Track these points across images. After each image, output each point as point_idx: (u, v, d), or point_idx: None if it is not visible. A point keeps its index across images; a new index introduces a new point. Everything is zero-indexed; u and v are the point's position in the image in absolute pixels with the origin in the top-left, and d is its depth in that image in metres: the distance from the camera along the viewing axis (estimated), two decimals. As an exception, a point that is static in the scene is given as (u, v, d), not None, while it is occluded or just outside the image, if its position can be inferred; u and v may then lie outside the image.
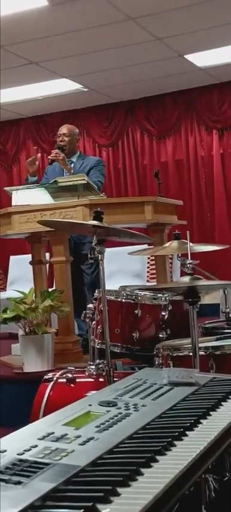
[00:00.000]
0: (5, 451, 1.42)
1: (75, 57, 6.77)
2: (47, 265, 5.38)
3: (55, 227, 4.19)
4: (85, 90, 8.04)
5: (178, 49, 6.80)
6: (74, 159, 5.65)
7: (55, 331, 4.75)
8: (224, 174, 8.46)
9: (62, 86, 7.78)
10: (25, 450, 1.42)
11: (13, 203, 4.92)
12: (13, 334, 5.74)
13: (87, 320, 3.41)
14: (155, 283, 6.02)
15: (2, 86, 7.25)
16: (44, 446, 1.45)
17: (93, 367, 3.20)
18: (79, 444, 1.48)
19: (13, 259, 8.72)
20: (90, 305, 3.44)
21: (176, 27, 6.13)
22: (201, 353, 2.75)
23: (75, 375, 3.16)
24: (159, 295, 3.40)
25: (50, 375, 3.23)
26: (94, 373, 3.18)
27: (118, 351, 3.38)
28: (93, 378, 3.16)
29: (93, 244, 2.90)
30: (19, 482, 1.24)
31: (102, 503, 1.15)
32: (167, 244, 3.67)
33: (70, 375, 3.15)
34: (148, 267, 8.14)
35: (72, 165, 5.57)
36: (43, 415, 2.85)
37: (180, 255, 3.26)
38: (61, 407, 1.83)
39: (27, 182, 5.43)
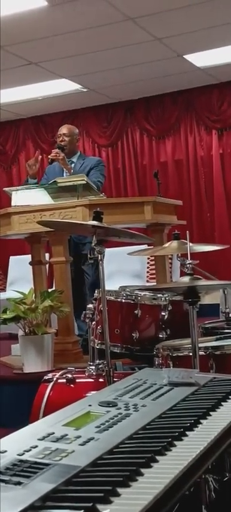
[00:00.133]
0: (5, 451, 1.42)
1: (74, 58, 6.77)
2: (47, 265, 5.38)
3: (55, 227, 4.19)
4: (85, 90, 8.04)
5: (177, 49, 6.80)
6: (74, 159, 5.65)
7: (55, 331, 4.75)
8: (224, 174, 8.47)
9: (61, 86, 7.78)
10: (25, 451, 1.42)
11: (13, 203, 4.92)
12: (13, 334, 5.74)
13: (87, 320, 3.41)
14: (155, 284, 6.02)
15: (2, 87, 7.25)
16: (44, 447, 1.45)
17: (93, 367, 3.19)
18: (79, 444, 1.48)
19: (13, 259, 8.72)
20: (90, 305, 3.44)
21: (175, 27, 6.13)
22: (201, 353, 2.75)
23: (74, 375, 3.16)
24: (159, 295, 3.40)
25: (50, 375, 3.23)
26: (94, 373, 3.18)
27: (118, 351, 3.38)
28: (92, 378, 3.16)
29: (93, 244, 2.90)
30: (19, 483, 1.24)
31: (102, 504, 1.15)
32: (166, 245, 3.67)
33: (70, 375, 3.15)
34: (148, 267, 8.14)
35: (73, 165, 5.57)
36: (43, 416, 2.85)
37: (180, 255, 3.26)
38: (61, 407, 1.83)
39: (26, 184, 5.43)
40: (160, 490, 1.22)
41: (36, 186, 5.19)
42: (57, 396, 3.05)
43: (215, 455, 1.58)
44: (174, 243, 3.40)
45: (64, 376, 3.16)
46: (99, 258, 2.91)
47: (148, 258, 7.95)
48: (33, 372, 4.34)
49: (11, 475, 1.28)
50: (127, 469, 1.31)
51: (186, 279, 2.79)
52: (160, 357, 3.02)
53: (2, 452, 1.41)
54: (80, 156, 5.76)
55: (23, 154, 9.46)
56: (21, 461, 1.36)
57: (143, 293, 3.46)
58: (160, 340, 3.30)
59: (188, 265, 2.91)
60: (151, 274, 7.98)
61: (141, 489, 1.24)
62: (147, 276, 8.16)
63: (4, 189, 5.30)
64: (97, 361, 3.22)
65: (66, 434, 1.55)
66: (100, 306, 3.18)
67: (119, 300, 3.42)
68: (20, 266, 8.01)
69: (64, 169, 5.51)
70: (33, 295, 4.55)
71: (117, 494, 1.20)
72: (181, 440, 1.54)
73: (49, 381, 3.16)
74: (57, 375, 3.20)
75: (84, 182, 4.76)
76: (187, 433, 1.59)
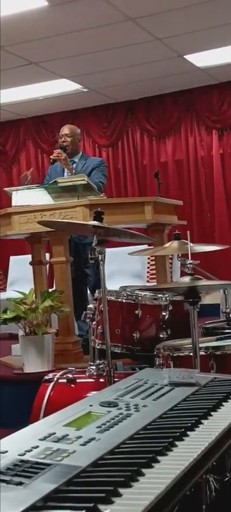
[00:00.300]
0: (6, 451, 1.42)
1: (74, 58, 6.77)
2: (47, 265, 5.38)
3: (55, 227, 4.19)
4: (85, 90, 8.04)
5: (177, 49, 6.80)
6: (76, 160, 5.65)
7: (56, 331, 4.75)
8: (224, 174, 8.47)
9: (62, 86, 7.78)
10: (26, 451, 1.42)
11: (13, 203, 4.92)
12: (13, 334, 5.74)
13: (88, 320, 3.41)
14: (156, 284, 6.02)
15: (2, 87, 7.25)
16: (45, 447, 1.45)
17: (94, 367, 3.19)
18: (81, 445, 1.48)
19: (13, 259, 8.72)
20: (91, 305, 3.44)
21: (176, 28, 6.13)
22: (201, 353, 2.75)
23: (75, 376, 3.16)
24: (159, 295, 3.40)
25: (50, 375, 3.23)
26: (94, 373, 3.17)
27: (119, 351, 3.38)
28: (93, 379, 3.16)
29: (94, 244, 2.90)
30: (20, 483, 1.24)
31: (104, 504, 1.15)
32: (167, 245, 3.67)
33: (70, 376, 3.15)
34: (148, 267, 8.14)
35: (74, 165, 5.57)
36: (44, 416, 2.85)
37: (180, 255, 3.26)
38: (61, 407, 1.83)
39: None
40: (162, 490, 1.22)
41: (37, 186, 5.19)
42: (58, 396, 3.05)
43: (216, 455, 1.59)
44: (174, 243, 3.40)
45: (64, 376, 3.16)
46: (100, 258, 2.91)
47: (149, 258, 7.95)
48: (33, 372, 4.34)
49: (12, 475, 1.28)
50: (128, 469, 1.31)
51: (186, 279, 2.79)
52: (161, 357, 3.02)
53: (3, 453, 1.41)
54: (82, 157, 5.76)
55: (23, 155, 9.46)
56: (22, 461, 1.36)
57: (144, 293, 3.46)
58: (161, 340, 3.30)
59: (188, 265, 2.91)
60: (151, 275, 7.98)
61: (142, 489, 1.24)
62: (147, 276, 8.16)
63: (4, 189, 5.30)
64: (98, 361, 3.22)
65: (67, 435, 1.55)
66: (101, 306, 3.18)
67: (119, 300, 3.42)
68: (20, 266, 8.00)
69: (66, 169, 5.51)
70: (34, 295, 4.55)
71: (118, 495, 1.20)
72: (182, 440, 1.54)
73: (49, 381, 3.16)
74: (58, 375, 3.20)
75: (84, 182, 4.76)
76: (188, 433, 1.59)
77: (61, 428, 1.61)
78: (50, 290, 4.91)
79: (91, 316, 3.39)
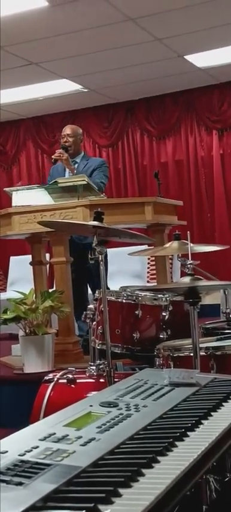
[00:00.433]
0: (6, 452, 1.42)
1: (75, 58, 6.77)
2: (47, 265, 5.38)
3: (56, 228, 4.20)
4: (85, 90, 8.04)
5: (177, 49, 6.80)
6: (78, 160, 5.65)
7: (56, 331, 4.75)
8: (224, 175, 8.47)
9: (62, 86, 7.78)
10: (26, 451, 1.42)
11: (13, 204, 4.92)
12: (13, 334, 5.74)
13: (88, 321, 3.41)
14: (156, 284, 6.02)
15: (2, 87, 7.25)
16: (45, 447, 1.45)
17: (94, 367, 3.19)
18: (81, 445, 1.48)
19: (13, 259, 8.73)
20: (91, 306, 3.44)
21: (176, 28, 6.13)
22: (202, 353, 2.75)
23: (75, 376, 3.16)
24: (159, 295, 3.40)
25: (51, 375, 3.23)
26: (94, 373, 3.17)
27: (119, 351, 3.38)
28: (93, 379, 3.16)
29: (94, 245, 2.90)
30: (20, 483, 1.24)
31: (104, 504, 1.15)
32: (167, 245, 3.67)
33: (70, 376, 3.15)
34: (148, 268, 8.15)
35: (76, 165, 5.57)
36: (44, 416, 2.85)
37: (180, 255, 3.26)
38: (61, 408, 1.83)
39: None
40: (162, 491, 1.22)
41: (37, 186, 5.19)
42: (58, 396, 3.05)
43: (216, 455, 1.58)
44: (174, 244, 3.40)
45: (64, 376, 3.16)
46: (100, 258, 2.91)
47: (149, 259, 7.96)
48: (33, 372, 4.34)
49: (12, 476, 1.28)
50: (128, 470, 1.31)
51: (187, 279, 2.79)
52: (161, 357, 3.02)
53: (3, 453, 1.41)
54: (84, 157, 5.76)
55: (23, 155, 9.47)
56: (22, 461, 1.36)
57: (144, 293, 3.46)
58: (161, 340, 3.29)
59: (188, 266, 2.91)
60: (151, 275, 7.98)
61: (142, 489, 1.24)
62: (147, 277, 8.17)
63: (4, 189, 5.30)
64: (98, 361, 3.22)
65: (67, 435, 1.54)
66: (101, 306, 3.18)
67: (120, 300, 3.41)
68: (20, 266, 8.01)
69: (67, 169, 5.51)
70: (34, 295, 4.55)
71: (118, 495, 1.20)
72: (182, 440, 1.54)
73: (49, 381, 3.16)
74: (58, 375, 3.20)
75: (84, 182, 4.76)
76: (188, 433, 1.59)
77: (61, 428, 1.61)
78: (50, 290, 4.91)
79: (92, 316, 3.39)
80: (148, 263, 8.12)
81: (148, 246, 5.73)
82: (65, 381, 3.14)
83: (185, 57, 7.05)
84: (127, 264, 7.52)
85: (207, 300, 5.33)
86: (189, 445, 1.52)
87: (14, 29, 5.77)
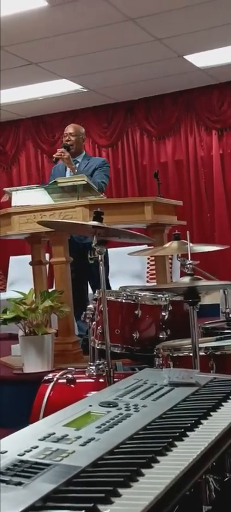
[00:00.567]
0: (6, 451, 1.42)
1: (74, 58, 6.77)
2: (47, 265, 5.38)
3: (55, 228, 4.19)
4: (85, 90, 8.04)
5: (177, 49, 6.80)
6: (79, 159, 5.64)
7: (55, 331, 4.75)
8: (224, 174, 8.47)
9: (62, 86, 7.78)
10: (26, 451, 1.42)
11: (13, 204, 4.92)
12: (13, 334, 5.74)
13: (87, 321, 3.41)
14: (155, 284, 6.02)
15: (2, 87, 7.25)
16: (45, 447, 1.45)
17: (93, 367, 3.19)
18: (80, 445, 1.48)
19: (13, 259, 8.73)
20: (90, 306, 3.44)
21: (176, 28, 6.13)
22: (201, 353, 2.75)
23: (75, 376, 3.16)
24: (159, 295, 3.40)
25: (50, 375, 3.23)
26: (94, 373, 3.17)
27: (118, 351, 3.38)
28: (93, 379, 3.16)
29: (93, 244, 2.90)
30: (20, 483, 1.24)
31: (103, 504, 1.15)
32: (167, 245, 3.67)
33: (70, 376, 3.15)
34: (148, 268, 8.15)
35: (77, 164, 5.56)
36: (44, 416, 2.85)
37: (180, 255, 3.25)
38: (61, 408, 1.83)
39: None
40: (161, 491, 1.22)
41: (37, 186, 5.19)
42: (58, 396, 3.05)
43: (216, 455, 1.58)
44: (174, 244, 3.40)
45: (64, 376, 3.16)
46: (99, 258, 2.91)
47: (148, 258, 7.96)
48: (33, 372, 4.34)
49: (12, 476, 1.28)
50: (127, 470, 1.31)
51: (186, 279, 2.79)
52: (161, 357, 3.02)
53: (3, 453, 1.41)
54: (85, 156, 5.75)
55: (23, 155, 9.47)
56: (21, 461, 1.36)
57: (144, 293, 3.46)
58: (161, 340, 3.29)
59: (188, 266, 2.91)
60: (151, 275, 7.98)
61: (142, 489, 1.24)
62: (147, 276, 8.17)
63: (4, 189, 5.30)
64: (98, 361, 3.22)
65: (67, 435, 1.54)
66: (101, 306, 3.18)
67: (119, 300, 3.41)
68: (20, 266, 8.01)
69: (68, 168, 5.50)
70: (33, 295, 4.55)
71: (118, 495, 1.20)
72: (182, 440, 1.54)
73: (49, 381, 3.16)
74: (57, 375, 3.20)
75: (84, 182, 4.76)
76: (188, 433, 1.59)
77: (61, 428, 1.61)
78: (50, 290, 4.91)
79: (91, 316, 3.39)
80: (148, 263, 8.12)
81: (148, 246, 5.73)
82: (65, 380, 3.14)
83: (185, 57, 7.06)
84: (127, 264, 7.52)
85: (206, 300, 5.34)
86: (188, 445, 1.52)
87: (14, 29, 5.77)
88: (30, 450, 1.43)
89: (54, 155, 5.55)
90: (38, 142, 9.31)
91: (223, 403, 1.88)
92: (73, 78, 7.54)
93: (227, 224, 8.43)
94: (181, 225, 5.13)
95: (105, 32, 6.04)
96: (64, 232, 4.81)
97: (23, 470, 1.31)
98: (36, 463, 1.35)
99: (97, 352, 3.34)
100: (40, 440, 1.51)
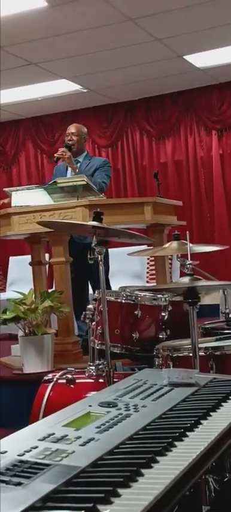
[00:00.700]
0: (6, 452, 1.42)
1: (74, 58, 6.77)
2: (47, 266, 5.38)
3: (55, 228, 4.19)
4: (85, 90, 8.04)
5: (177, 50, 6.80)
6: (81, 159, 5.63)
7: (55, 332, 4.75)
8: (224, 175, 8.47)
9: (61, 86, 7.78)
10: (25, 451, 1.42)
11: (12, 204, 4.92)
12: (13, 335, 5.74)
13: (87, 321, 3.41)
14: (155, 284, 6.02)
15: (2, 87, 7.25)
16: (44, 447, 1.45)
17: (93, 367, 3.19)
18: (80, 445, 1.48)
19: (12, 260, 8.73)
20: (90, 306, 3.44)
21: (176, 28, 6.13)
22: (201, 353, 2.75)
23: (74, 376, 3.16)
24: (159, 295, 3.40)
25: (50, 375, 3.23)
26: (94, 373, 3.17)
27: (118, 351, 3.38)
28: (92, 379, 3.16)
29: (93, 245, 2.90)
30: (19, 484, 1.24)
31: (103, 504, 1.15)
32: (166, 245, 3.67)
33: (70, 376, 3.15)
34: (148, 268, 8.15)
35: (78, 164, 5.56)
36: (43, 416, 2.85)
37: (180, 255, 3.25)
38: (61, 408, 1.83)
39: None
40: (161, 491, 1.22)
41: (36, 187, 5.19)
42: (57, 397, 3.05)
43: (215, 455, 1.58)
44: (174, 244, 3.40)
45: (64, 376, 3.16)
46: (99, 258, 2.91)
47: (148, 259, 7.96)
48: (33, 372, 4.34)
49: (11, 476, 1.28)
50: (127, 470, 1.31)
51: (186, 279, 2.79)
52: (160, 358, 3.02)
53: (2, 453, 1.41)
54: (86, 156, 5.74)
55: (22, 155, 9.47)
56: (21, 461, 1.36)
57: (143, 293, 3.46)
58: (160, 340, 3.29)
59: (188, 266, 2.91)
60: (151, 275, 7.98)
61: (141, 489, 1.24)
62: (147, 277, 8.17)
63: (4, 189, 5.30)
64: (97, 361, 3.22)
65: (66, 435, 1.54)
66: (100, 306, 3.18)
67: (119, 300, 3.41)
68: (19, 266, 8.01)
69: (70, 168, 5.50)
70: (33, 295, 4.55)
71: (118, 495, 1.20)
72: (181, 440, 1.54)
73: (49, 381, 3.16)
74: (57, 375, 3.20)
75: (83, 183, 4.76)
76: (187, 433, 1.59)
77: (61, 428, 1.61)
78: (50, 290, 4.91)
79: (91, 316, 3.39)
80: (148, 263, 8.12)
81: (148, 246, 5.73)
82: (64, 381, 3.14)
83: (184, 57, 7.06)
84: (127, 264, 7.52)
85: (206, 300, 5.33)
86: (188, 445, 1.52)
87: (14, 29, 5.77)
88: (30, 450, 1.43)
89: (55, 154, 5.54)
90: (38, 142, 9.31)
91: (223, 403, 1.88)
92: (73, 78, 7.54)
93: (227, 224, 8.43)
94: (180, 225, 5.13)
95: (104, 32, 6.04)
96: (64, 233, 4.81)
97: (23, 471, 1.30)
98: (36, 463, 1.35)
99: (97, 353, 3.33)
100: (40, 440, 1.51)
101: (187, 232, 3.06)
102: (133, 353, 3.41)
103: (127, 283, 6.00)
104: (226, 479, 1.97)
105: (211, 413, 1.78)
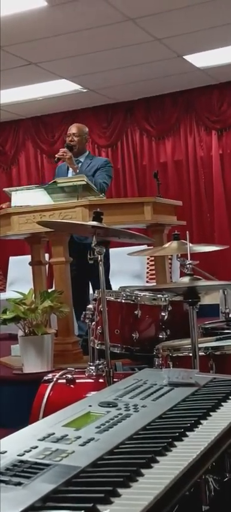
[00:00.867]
0: (5, 452, 1.42)
1: (74, 58, 6.77)
2: (47, 266, 5.38)
3: (55, 228, 4.19)
4: (85, 90, 8.04)
5: (177, 50, 6.80)
6: (82, 159, 5.62)
7: (55, 331, 4.75)
8: (223, 175, 8.47)
9: (61, 86, 7.78)
10: (25, 451, 1.42)
11: (12, 204, 4.92)
12: (13, 335, 5.74)
13: (87, 321, 3.41)
14: (155, 284, 6.02)
15: (1, 87, 7.25)
16: (44, 447, 1.45)
17: (93, 367, 3.19)
18: (80, 445, 1.48)
19: (12, 260, 8.73)
20: (90, 306, 3.44)
21: (175, 28, 6.13)
22: (201, 353, 2.75)
23: (74, 376, 3.16)
24: (159, 295, 3.40)
25: (50, 375, 3.23)
26: (94, 373, 3.17)
27: (118, 351, 3.38)
28: (92, 379, 3.16)
29: (93, 245, 2.90)
30: (19, 484, 1.24)
31: (103, 504, 1.15)
32: (166, 245, 3.67)
33: (70, 376, 3.15)
34: (148, 268, 8.15)
35: (80, 164, 5.55)
36: (43, 416, 2.85)
37: (179, 255, 3.26)
38: (61, 408, 1.83)
39: None
40: (161, 491, 1.22)
41: (36, 187, 5.19)
42: (57, 396, 3.05)
43: (215, 455, 1.58)
44: (174, 244, 3.40)
45: (64, 376, 3.16)
46: (99, 258, 2.91)
47: (148, 259, 7.96)
48: (33, 372, 4.34)
49: (11, 476, 1.28)
50: (127, 470, 1.31)
51: (186, 279, 2.79)
52: (160, 358, 3.02)
53: (2, 453, 1.41)
54: (88, 156, 5.72)
55: (22, 155, 9.47)
56: (21, 461, 1.36)
57: (143, 293, 3.46)
58: (160, 340, 3.29)
59: (188, 266, 2.91)
60: (150, 275, 7.98)
61: (141, 489, 1.24)
62: (147, 277, 8.17)
63: (4, 189, 5.30)
64: (97, 361, 3.22)
65: (66, 435, 1.54)
66: (100, 306, 3.18)
67: (119, 300, 3.41)
68: (19, 266, 8.01)
69: (70, 168, 5.49)
70: (33, 295, 4.55)
71: (117, 495, 1.20)
72: (181, 440, 1.54)
73: (49, 381, 3.16)
74: (57, 375, 3.20)
75: (83, 183, 4.76)
76: (187, 433, 1.59)
77: (61, 428, 1.61)
78: (49, 290, 4.91)
79: (91, 316, 3.39)
80: (148, 263, 8.12)
81: (148, 246, 5.73)
82: (64, 381, 3.14)
83: (184, 57, 7.06)
84: (127, 264, 7.52)
85: (206, 300, 5.32)
86: (188, 445, 1.52)
87: (14, 29, 5.77)
88: (30, 450, 1.43)
89: (56, 155, 5.53)
90: (38, 142, 9.31)
91: (223, 403, 1.88)
92: (73, 78, 7.54)
93: (227, 224, 8.43)
94: (180, 225, 5.13)
95: (104, 32, 6.04)
96: (63, 233, 4.81)
97: (23, 471, 1.31)
98: (36, 463, 1.35)
99: (97, 353, 3.33)
100: (39, 440, 1.51)
101: (187, 232, 3.06)
102: (133, 353, 3.41)
103: (127, 283, 6.00)
104: (226, 479, 1.96)
105: (211, 413, 1.78)
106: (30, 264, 5.21)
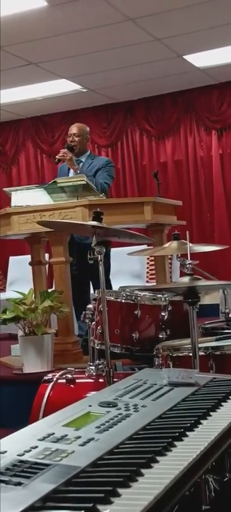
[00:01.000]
0: (5, 452, 1.42)
1: (74, 58, 6.77)
2: (46, 265, 5.38)
3: (55, 228, 4.19)
4: (85, 90, 8.04)
5: (177, 49, 6.80)
6: (83, 159, 5.60)
7: (55, 331, 4.75)
8: (223, 174, 8.47)
9: (61, 86, 7.78)
10: (25, 451, 1.42)
11: (12, 204, 4.92)
12: (13, 334, 5.74)
13: (87, 321, 3.41)
14: (155, 284, 6.02)
15: (1, 87, 7.25)
16: (44, 447, 1.45)
17: (93, 367, 3.19)
18: (80, 445, 1.48)
19: (12, 260, 8.73)
20: (90, 306, 3.44)
21: (175, 28, 6.13)
22: (201, 353, 2.75)
23: (74, 376, 3.16)
24: (159, 295, 3.40)
25: (50, 375, 3.23)
26: (93, 373, 3.17)
27: (118, 351, 3.38)
28: (92, 379, 3.16)
29: (93, 245, 2.90)
30: (19, 483, 1.24)
31: (103, 504, 1.15)
32: (166, 245, 3.67)
33: (70, 376, 3.15)
34: (148, 268, 8.15)
35: (81, 164, 5.53)
36: (43, 416, 2.85)
37: (179, 255, 3.25)
38: (61, 408, 1.83)
39: None
40: (160, 491, 1.22)
41: (36, 186, 5.19)
42: (57, 396, 3.05)
43: (215, 455, 1.58)
44: (174, 243, 3.40)
45: (64, 376, 3.16)
46: (99, 258, 2.91)
47: (148, 258, 7.95)
48: (33, 372, 4.34)
49: (11, 476, 1.28)
50: (127, 470, 1.31)
51: (186, 279, 2.79)
52: (160, 357, 3.02)
53: (2, 453, 1.41)
54: (89, 156, 5.69)
55: (22, 155, 9.47)
56: (21, 461, 1.36)
57: (143, 293, 3.46)
58: (160, 340, 3.29)
59: (188, 266, 2.91)
60: (150, 275, 7.98)
61: (141, 489, 1.24)
62: (147, 276, 8.17)
63: (4, 189, 5.30)
64: (97, 361, 3.22)
65: (66, 435, 1.54)
66: (100, 306, 3.18)
67: (119, 300, 3.41)
68: (19, 266, 8.01)
69: (72, 169, 5.48)
70: (33, 295, 4.55)
71: (117, 495, 1.20)
72: (181, 440, 1.54)
73: (49, 381, 3.16)
74: (57, 375, 3.20)
75: (83, 182, 4.76)
76: (187, 433, 1.59)
77: (61, 428, 1.61)
78: (49, 290, 4.91)
79: (91, 316, 3.39)
80: (147, 263, 8.12)
81: (147, 245, 5.73)
82: (64, 380, 3.14)
83: (184, 57, 7.06)
84: (127, 264, 7.51)
85: (206, 299, 5.32)
86: (188, 445, 1.52)
87: (14, 29, 5.77)
88: (30, 450, 1.43)
89: (56, 156, 5.52)
90: (38, 142, 9.31)
91: (223, 403, 1.88)
92: (72, 78, 7.54)
93: (227, 224, 8.43)
94: (180, 225, 5.13)
95: (104, 32, 6.04)
96: (63, 232, 4.81)
97: (23, 471, 1.31)
98: (36, 463, 1.35)
99: (97, 352, 3.33)
100: (39, 440, 1.51)
101: (187, 232, 3.06)
102: (133, 353, 3.41)
103: (127, 283, 6.00)
104: (226, 479, 1.96)
105: (211, 413, 1.78)
106: (30, 264, 5.21)
